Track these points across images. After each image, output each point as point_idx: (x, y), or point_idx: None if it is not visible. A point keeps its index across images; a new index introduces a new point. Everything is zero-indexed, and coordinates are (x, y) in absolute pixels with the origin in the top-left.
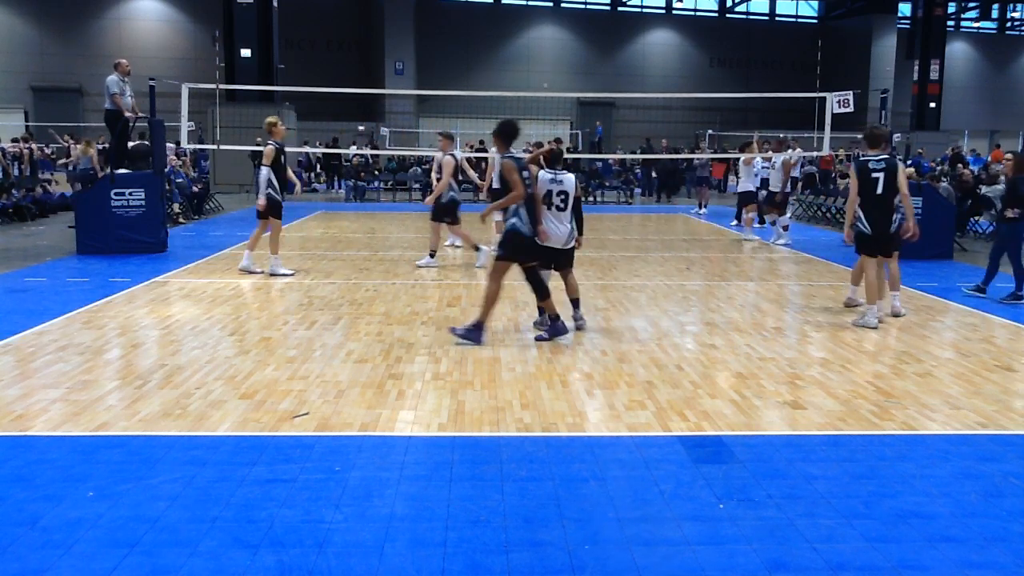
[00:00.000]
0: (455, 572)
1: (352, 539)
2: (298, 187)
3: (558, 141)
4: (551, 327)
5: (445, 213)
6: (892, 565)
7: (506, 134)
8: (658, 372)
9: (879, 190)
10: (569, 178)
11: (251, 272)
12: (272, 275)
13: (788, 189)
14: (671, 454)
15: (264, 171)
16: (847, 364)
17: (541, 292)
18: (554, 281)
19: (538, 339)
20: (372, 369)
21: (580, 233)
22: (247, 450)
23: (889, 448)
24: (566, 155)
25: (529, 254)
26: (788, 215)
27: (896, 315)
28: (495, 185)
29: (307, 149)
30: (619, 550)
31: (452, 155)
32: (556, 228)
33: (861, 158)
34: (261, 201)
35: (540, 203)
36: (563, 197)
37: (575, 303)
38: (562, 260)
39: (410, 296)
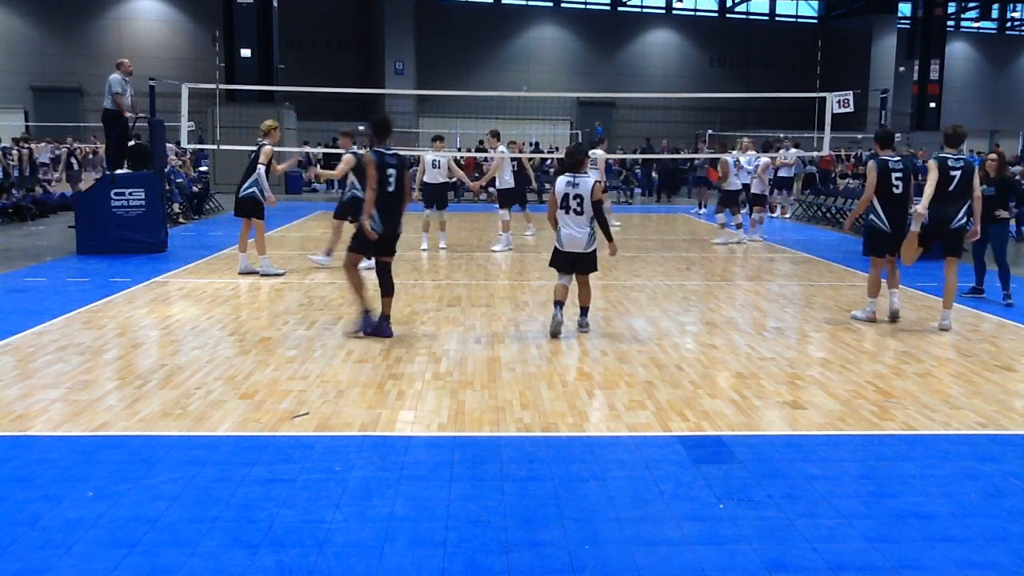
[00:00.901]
0: (455, 572)
1: (352, 539)
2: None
3: (592, 144)
4: (377, 325)
5: (348, 211)
6: (892, 565)
7: (377, 130)
8: (658, 372)
9: (951, 187)
10: (587, 181)
11: (252, 273)
12: (264, 275)
13: (737, 188)
14: (671, 454)
15: (261, 169)
16: (847, 364)
17: (385, 288)
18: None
19: (355, 333)
20: (372, 369)
21: (609, 239)
22: (247, 450)
23: (889, 448)
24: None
25: (380, 249)
26: (751, 214)
27: (895, 315)
28: (499, 185)
29: (307, 149)
30: (619, 550)
31: (354, 153)
32: (573, 232)
33: (941, 155)
34: (271, 197)
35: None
36: (579, 201)
37: (584, 310)
38: (581, 265)
39: (410, 296)
